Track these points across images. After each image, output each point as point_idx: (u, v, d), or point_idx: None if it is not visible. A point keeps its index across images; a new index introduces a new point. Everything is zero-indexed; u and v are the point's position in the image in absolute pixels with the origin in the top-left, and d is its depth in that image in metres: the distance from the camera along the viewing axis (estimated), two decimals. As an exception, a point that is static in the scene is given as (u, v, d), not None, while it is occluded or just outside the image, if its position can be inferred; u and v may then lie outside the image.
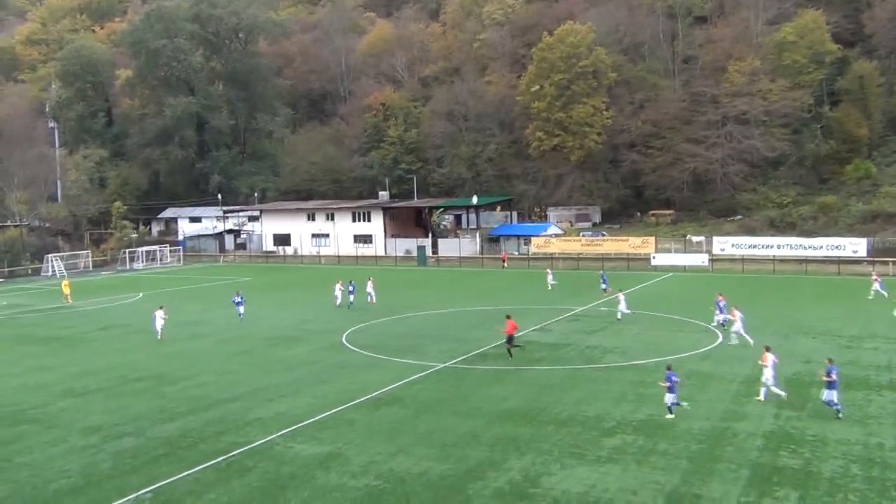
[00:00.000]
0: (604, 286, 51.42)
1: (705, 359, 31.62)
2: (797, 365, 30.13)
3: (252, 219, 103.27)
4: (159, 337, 39.26)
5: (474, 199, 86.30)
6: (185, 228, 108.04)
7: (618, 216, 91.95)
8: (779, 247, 69.97)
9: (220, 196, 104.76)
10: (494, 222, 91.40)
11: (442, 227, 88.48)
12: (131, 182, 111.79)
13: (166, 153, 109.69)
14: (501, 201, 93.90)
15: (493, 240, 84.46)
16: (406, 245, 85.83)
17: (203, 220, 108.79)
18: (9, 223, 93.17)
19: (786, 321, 40.13)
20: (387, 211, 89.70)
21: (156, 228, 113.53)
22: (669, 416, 23.43)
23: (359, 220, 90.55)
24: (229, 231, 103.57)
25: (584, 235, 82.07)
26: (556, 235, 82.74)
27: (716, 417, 23.62)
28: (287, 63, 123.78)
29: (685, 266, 68.23)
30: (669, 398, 23.61)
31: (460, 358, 32.43)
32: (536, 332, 38.10)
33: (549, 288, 54.65)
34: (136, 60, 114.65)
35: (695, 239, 76.29)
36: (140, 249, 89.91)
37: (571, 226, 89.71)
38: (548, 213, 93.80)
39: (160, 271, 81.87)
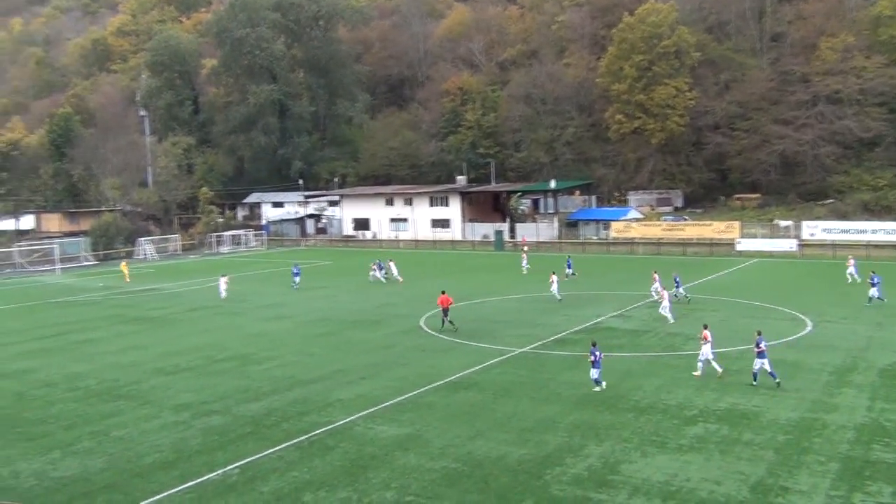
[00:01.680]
0: (569, 270, 52.44)
1: (792, 347, 30.62)
2: (893, 356, 28.86)
3: (332, 204, 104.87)
4: (223, 296, 48.01)
5: (552, 184, 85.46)
6: (268, 213, 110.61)
7: (701, 200, 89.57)
8: (873, 231, 66.96)
9: (301, 181, 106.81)
10: (573, 207, 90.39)
11: (520, 211, 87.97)
12: (217, 168, 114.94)
13: (250, 140, 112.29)
14: (580, 185, 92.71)
15: (571, 224, 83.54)
16: (483, 230, 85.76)
17: (285, 205, 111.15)
18: (104, 208, 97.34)
19: (883, 309, 38.45)
20: (464, 195, 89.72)
21: (241, 213, 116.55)
22: (597, 388, 24.85)
23: (436, 205, 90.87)
24: (310, 216, 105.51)
25: (665, 220, 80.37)
26: (637, 220, 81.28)
27: (804, 408, 22.87)
28: (366, 49, 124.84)
29: (772, 251, 66.02)
30: (594, 373, 24.98)
31: (538, 343, 32.30)
32: (616, 319, 37.58)
33: (525, 272, 55.16)
34: (220, 50, 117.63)
35: (782, 223, 73.73)
36: (226, 234, 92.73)
37: (652, 210, 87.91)
38: (628, 197, 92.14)
39: (245, 255, 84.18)
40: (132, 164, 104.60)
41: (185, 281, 60.51)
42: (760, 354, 25.11)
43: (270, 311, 43.58)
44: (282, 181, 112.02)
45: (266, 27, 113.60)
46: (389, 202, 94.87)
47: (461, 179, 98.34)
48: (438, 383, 26.52)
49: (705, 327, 27.00)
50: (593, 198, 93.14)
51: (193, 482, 18.65)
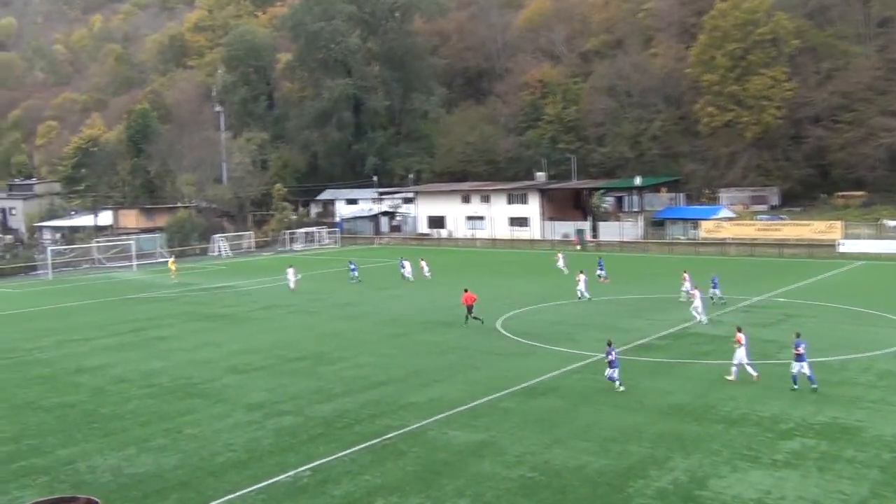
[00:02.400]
0: (601, 272, 51.87)
1: (901, 358, 29.33)
2: None
3: (407, 201, 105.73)
4: (292, 287, 51.93)
5: (637, 180, 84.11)
6: (342, 210, 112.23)
7: (799, 198, 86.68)
8: None
9: (375, 178, 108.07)
10: (659, 205, 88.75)
11: (602, 209, 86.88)
12: (291, 164, 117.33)
13: (324, 135, 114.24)
14: (667, 182, 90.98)
15: (657, 223, 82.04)
16: (564, 228, 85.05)
17: (359, 201, 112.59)
18: (179, 204, 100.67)
19: None
20: (544, 193, 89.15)
21: (314, 210, 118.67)
22: (621, 388, 25.37)
23: (515, 203, 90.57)
24: (384, 213, 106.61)
25: (759, 219, 78.10)
26: (729, 219, 79.25)
27: (913, 424, 21.87)
28: (443, 41, 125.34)
29: (879, 254, 63.39)
30: (609, 372, 25.59)
31: (620, 348, 31.81)
32: (706, 324, 36.70)
33: (565, 272, 55.13)
34: (295, 44, 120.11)
35: (890, 223, 70.66)
36: (299, 231, 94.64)
37: (745, 209, 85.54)
38: (719, 194, 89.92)
39: (318, 253, 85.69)
40: (207, 160, 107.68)
41: (259, 279, 62.01)
42: (799, 358, 25.09)
43: (343, 311, 44.24)
44: (356, 177, 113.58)
45: (341, 20, 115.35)
46: (466, 199, 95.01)
47: (540, 176, 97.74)
48: (515, 388, 26.42)
49: (739, 330, 27.09)
50: (681, 195, 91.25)
51: (265, 483, 19.07)
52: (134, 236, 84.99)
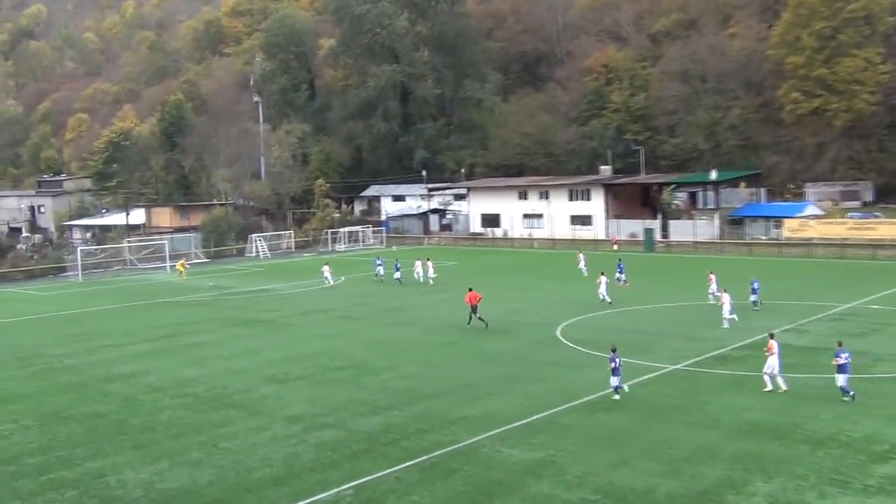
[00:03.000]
0: (621, 276, 51.93)
1: None
2: None
3: (458, 197, 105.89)
4: (331, 283, 55.38)
5: (713, 174, 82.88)
6: (388, 208, 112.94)
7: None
8: None
9: (424, 172, 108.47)
10: (738, 201, 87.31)
11: (674, 206, 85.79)
12: (333, 158, 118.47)
13: (369, 126, 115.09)
14: (746, 176, 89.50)
15: (735, 221, 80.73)
16: (631, 227, 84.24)
17: (407, 198, 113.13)
18: (215, 201, 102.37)
19: None
20: (609, 188, 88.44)
21: (358, 207, 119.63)
22: (616, 397, 26.23)
23: (576, 199, 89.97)
24: (434, 211, 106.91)
25: (851, 217, 76.31)
26: (816, 217, 77.61)
27: None
28: (498, 23, 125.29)
29: None
30: (614, 381, 26.40)
31: (694, 359, 31.43)
32: (789, 333, 36.02)
33: (585, 274, 56.27)
34: (339, 28, 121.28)
35: None
36: (342, 230, 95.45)
37: (835, 205, 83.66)
38: (805, 190, 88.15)
39: (363, 253, 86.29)
40: (244, 154, 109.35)
41: (299, 281, 62.72)
42: (841, 369, 25.24)
43: (390, 317, 44.50)
44: (403, 172, 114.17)
45: (388, 2, 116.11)
46: (523, 196, 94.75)
47: (605, 169, 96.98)
48: (576, 402, 26.27)
49: (771, 336, 27.36)
50: (762, 191, 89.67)
51: (305, 501, 19.26)
52: (167, 236, 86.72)
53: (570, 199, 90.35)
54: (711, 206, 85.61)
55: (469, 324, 39.75)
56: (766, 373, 26.92)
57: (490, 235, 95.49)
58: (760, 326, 37.30)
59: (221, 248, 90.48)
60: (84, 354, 37.60)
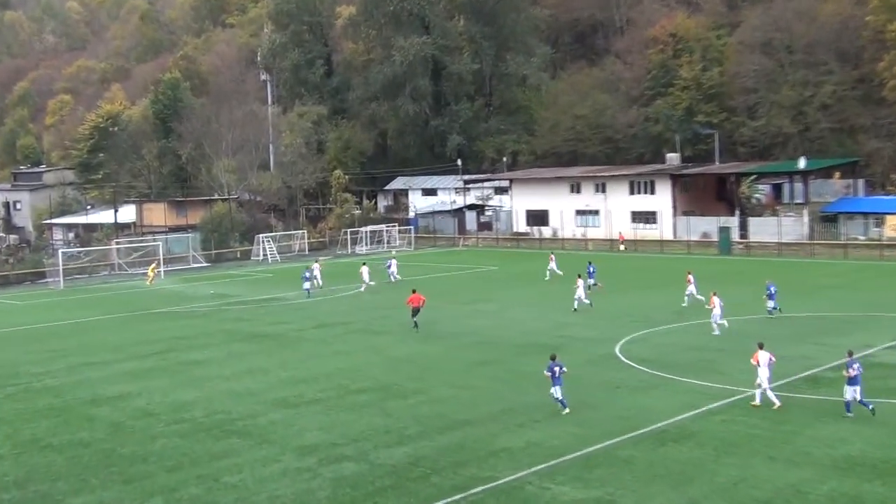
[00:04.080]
0: (590, 280, 54.27)
1: None
2: None
3: (499, 191, 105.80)
4: (368, 281, 58.55)
5: (801, 163, 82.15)
6: (417, 203, 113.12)
7: None
8: None
9: (459, 162, 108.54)
10: (831, 195, 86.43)
11: (754, 201, 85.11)
12: (354, 145, 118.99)
13: (395, 108, 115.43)
14: (841, 165, 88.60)
15: (827, 219, 79.92)
16: (703, 225, 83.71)
17: (439, 192, 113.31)
18: (216, 196, 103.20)
19: None
20: (677, 179, 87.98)
21: (382, 203, 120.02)
22: (565, 411, 27.79)
23: (638, 192, 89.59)
24: (471, 206, 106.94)
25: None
26: (925, 213, 76.64)
27: None
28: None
29: None
30: (555, 391, 27.97)
31: (780, 382, 31.06)
32: (892, 351, 35.48)
33: (548, 277, 61.19)
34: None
35: None
36: (363, 229, 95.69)
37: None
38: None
39: (387, 256, 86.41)
40: (250, 141, 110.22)
41: (323, 287, 62.93)
42: (852, 381, 26.33)
43: (419, 330, 44.49)
44: (435, 161, 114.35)
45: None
46: (575, 189, 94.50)
47: (673, 158, 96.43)
48: (639, 432, 26.11)
49: (760, 347, 28.56)
50: (860, 182, 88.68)
51: (320, 546, 19.32)
52: (162, 236, 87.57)
53: (632, 193, 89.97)
54: (799, 201, 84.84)
55: (415, 327, 43.85)
56: (759, 386, 28.32)
57: (536, 235, 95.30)
58: (859, 342, 36.80)
59: (223, 250, 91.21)
60: (66, 373, 38.06)
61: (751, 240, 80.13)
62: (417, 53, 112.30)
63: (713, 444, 24.87)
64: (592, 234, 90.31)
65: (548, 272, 62.63)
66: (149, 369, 38.08)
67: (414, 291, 45.63)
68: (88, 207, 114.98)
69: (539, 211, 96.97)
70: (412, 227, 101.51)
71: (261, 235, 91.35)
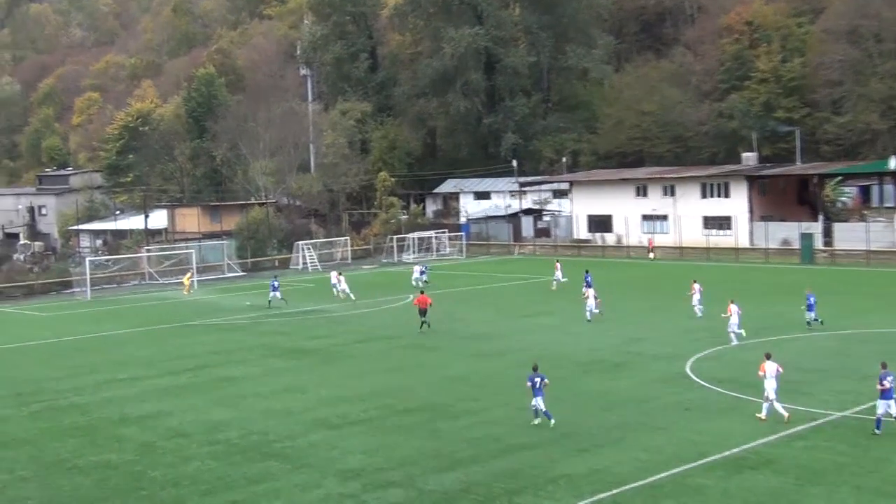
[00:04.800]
0: (586, 289, 54.34)
1: None
2: None
3: (558, 194, 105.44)
4: (346, 291, 61.17)
5: (892, 163, 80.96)
6: (469, 207, 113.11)
7: None
8: None
9: (515, 163, 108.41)
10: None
11: (840, 204, 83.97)
12: (400, 145, 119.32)
13: (445, 105, 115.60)
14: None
15: (922, 225, 78.72)
16: (783, 232, 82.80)
17: (492, 195, 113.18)
18: (253, 200, 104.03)
19: None
20: (754, 181, 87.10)
21: (431, 207, 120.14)
22: (548, 421, 29.30)
23: (711, 196, 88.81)
24: (527, 211, 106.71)
25: None
26: None
27: None
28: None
29: None
30: (535, 402, 29.51)
31: (869, 404, 30.58)
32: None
33: (554, 287, 63.01)
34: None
35: None
36: (410, 236, 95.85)
37: None
38: None
39: (436, 266, 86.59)
40: (289, 140, 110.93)
41: (357, 300, 63.21)
42: (885, 394, 26.91)
43: (472, 346, 44.46)
44: (488, 162, 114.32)
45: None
46: (641, 192, 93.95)
47: (749, 157, 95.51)
48: (712, 458, 25.86)
49: (767, 357, 29.84)
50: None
51: (364, 579, 19.36)
52: (195, 243, 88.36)
53: (704, 196, 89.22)
54: (890, 205, 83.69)
55: (420, 329, 47.62)
56: (764, 400, 29.41)
57: (599, 242, 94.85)
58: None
59: (260, 258, 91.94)
60: (93, 390, 38.56)
61: (836, 247, 79.07)
62: (469, 45, 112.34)
63: (795, 473, 24.58)
64: (661, 240, 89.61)
65: (553, 282, 64.29)
66: (181, 386, 38.45)
67: (422, 293, 50.48)
68: (117, 213, 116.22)
69: (602, 216, 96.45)
70: (463, 233, 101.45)
71: (300, 243, 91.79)
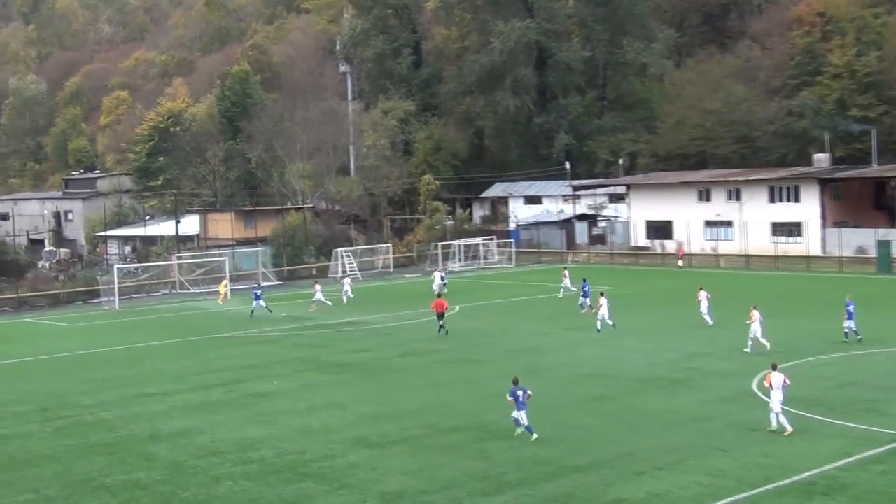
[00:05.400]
0: (584, 300, 58.29)
1: None
2: None
3: (615, 198, 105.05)
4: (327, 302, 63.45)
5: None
6: (519, 212, 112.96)
7: None
8: None
9: (568, 165, 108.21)
10: None
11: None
12: (446, 146, 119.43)
13: (493, 103, 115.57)
14: None
15: None
16: (858, 239, 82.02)
17: (544, 200, 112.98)
18: (289, 205, 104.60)
19: None
20: (826, 184, 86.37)
21: (478, 212, 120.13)
22: (518, 430, 30.82)
23: (779, 200, 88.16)
24: (581, 216, 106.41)
25: None
26: None
27: None
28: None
29: None
30: (516, 415, 30.89)
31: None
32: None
33: (560, 295, 64.39)
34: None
35: None
36: (456, 243, 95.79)
37: None
38: None
39: (483, 275, 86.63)
40: (328, 141, 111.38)
41: (399, 312, 63.40)
42: None
43: (521, 360, 44.37)
44: (539, 165, 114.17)
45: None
46: (704, 196, 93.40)
47: (821, 158, 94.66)
48: (780, 483, 25.64)
49: (773, 368, 31.17)
50: None
51: None
52: (228, 250, 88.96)
53: (772, 201, 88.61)
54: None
55: (439, 332, 51.30)
56: (771, 411, 30.74)
57: (658, 250, 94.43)
58: None
59: (297, 266, 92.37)
60: (121, 405, 38.91)
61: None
62: (519, 39, 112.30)
63: (871, 499, 24.32)
64: (725, 248, 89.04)
65: (561, 290, 66.17)
66: (213, 402, 38.73)
67: (439, 296, 54.84)
68: (147, 218, 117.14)
69: (661, 222, 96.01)
70: (513, 240, 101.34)
71: (339, 250, 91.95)
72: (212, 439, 32.72)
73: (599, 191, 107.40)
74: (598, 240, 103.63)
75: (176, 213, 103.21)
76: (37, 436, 34.49)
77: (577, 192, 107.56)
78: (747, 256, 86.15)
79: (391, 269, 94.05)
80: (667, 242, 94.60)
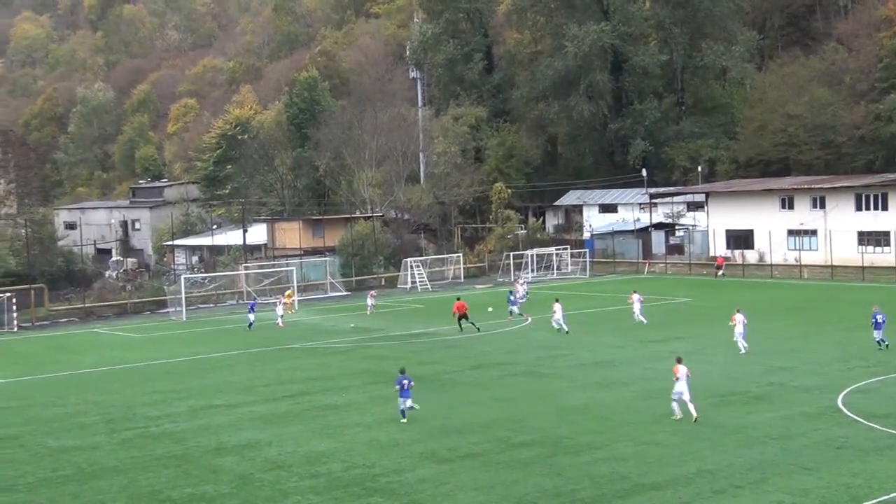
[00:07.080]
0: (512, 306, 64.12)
1: None
2: None
3: (693, 206, 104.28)
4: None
5: None
6: (593, 221, 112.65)
7: None
8: None
9: (644, 172, 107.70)
10: None
11: None
12: (518, 153, 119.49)
13: (567, 109, 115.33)
14: None
15: None
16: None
17: (619, 208, 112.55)
18: (358, 214, 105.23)
19: None
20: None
21: (551, 221, 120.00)
22: (403, 420, 34.96)
23: (867, 208, 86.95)
24: (658, 226, 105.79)
25: None
26: None
27: None
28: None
29: None
30: (401, 402, 35.00)
31: None
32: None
33: (636, 320, 60.04)
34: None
35: None
36: (529, 252, 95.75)
37: None
38: None
39: (556, 285, 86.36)
40: (398, 149, 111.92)
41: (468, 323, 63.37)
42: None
43: (596, 373, 44.23)
44: (614, 172, 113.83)
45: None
46: (787, 204, 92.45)
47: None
48: (869, 503, 25.24)
49: (679, 361, 35.08)
50: None
51: None
52: (296, 260, 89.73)
53: (859, 209, 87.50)
54: None
55: (461, 330, 56.35)
56: (673, 399, 34.52)
57: (739, 260, 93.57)
58: None
59: (365, 276, 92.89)
60: (188, 417, 39.43)
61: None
62: (594, 43, 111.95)
63: (965, 522, 23.86)
64: (809, 258, 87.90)
65: (637, 316, 60.73)
66: (280, 414, 39.05)
67: (458, 299, 59.49)
68: (214, 227, 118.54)
69: (742, 231, 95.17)
70: (587, 249, 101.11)
71: (409, 260, 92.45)
72: (279, 452, 32.98)
73: (677, 199, 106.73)
74: (675, 249, 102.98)
75: (243, 223, 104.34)
76: (103, 447, 35.01)
77: (654, 201, 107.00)
78: (832, 267, 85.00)
79: (461, 280, 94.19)
80: (748, 252, 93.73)
